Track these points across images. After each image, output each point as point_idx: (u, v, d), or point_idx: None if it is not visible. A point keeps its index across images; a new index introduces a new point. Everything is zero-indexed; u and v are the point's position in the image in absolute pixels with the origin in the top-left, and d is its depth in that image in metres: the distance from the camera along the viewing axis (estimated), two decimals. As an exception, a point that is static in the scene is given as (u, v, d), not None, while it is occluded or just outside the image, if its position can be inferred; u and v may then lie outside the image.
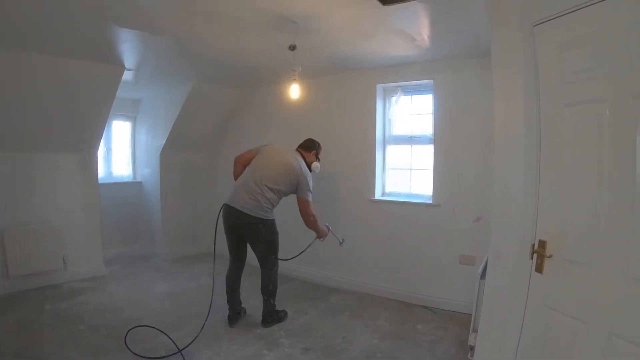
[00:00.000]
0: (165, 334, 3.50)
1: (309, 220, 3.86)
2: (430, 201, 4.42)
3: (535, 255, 1.98)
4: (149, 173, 6.50)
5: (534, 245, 2.00)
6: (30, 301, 4.30)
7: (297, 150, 4.07)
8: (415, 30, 3.46)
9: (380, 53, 4.14)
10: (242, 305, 4.00)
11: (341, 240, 4.31)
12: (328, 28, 3.41)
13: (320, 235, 4.07)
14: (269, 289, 3.80)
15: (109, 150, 6.48)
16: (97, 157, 5.43)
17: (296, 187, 3.78)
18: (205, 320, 3.60)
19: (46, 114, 4.48)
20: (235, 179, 3.91)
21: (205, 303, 3.85)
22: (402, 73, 4.55)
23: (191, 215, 6.62)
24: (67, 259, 4.95)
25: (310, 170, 3.97)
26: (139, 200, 6.63)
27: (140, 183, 6.70)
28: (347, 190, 5.00)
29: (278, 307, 3.91)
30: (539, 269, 1.96)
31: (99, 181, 5.54)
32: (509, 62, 2.25)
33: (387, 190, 4.93)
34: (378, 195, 4.83)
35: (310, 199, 3.82)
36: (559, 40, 1.91)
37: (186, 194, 6.55)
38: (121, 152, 6.75)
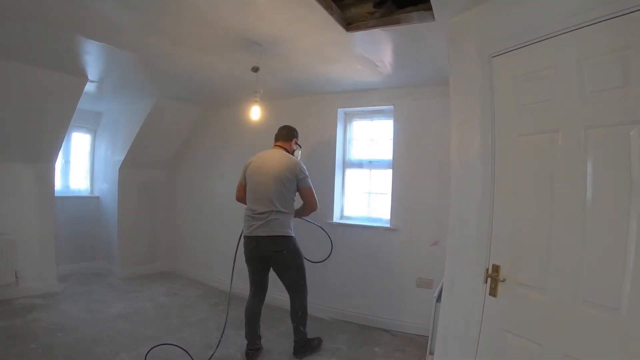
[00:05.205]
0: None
1: (314, 207, 3.69)
2: (388, 225, 4.49)
3: (489, 280, 2.05)
4: (107, 188, 6.35)
5: (487, 269, 2.07)
6: (-21, 317, 4.10)
7: (276, 146, 3.79)
8: (377, 57, 3.57)
9: (342, 78, 4.23)
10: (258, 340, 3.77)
11: None
12: (292, 51, 3.49)
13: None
14: (298, 316, 3.62)
15: (67, 162, 6.31)
16: (54, 169, 5.27)
17: (296, 181, 3.55)
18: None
19: (3, 121, 4.35)
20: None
21: (162, 325, 3.72)
22: (363, 98, 4.66)
23: (149, 233, 6.49)
24: (20, 274, 4.76)
25: None
26: (96, 215, 6.44)
27: (97, 198, 6.53)
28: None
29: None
30: (493, 292, 2.02)
31: (55, 194, 5.37)
32: (467, 92, 2.34)
33: (346, 213, 4.97)
34: (336, 219, 4.85)
35: (312, 185, 3.65)
36: (515, 72, 2.03)
37: (145, 212, 6.42)
38: (79, 165, 6.58)
